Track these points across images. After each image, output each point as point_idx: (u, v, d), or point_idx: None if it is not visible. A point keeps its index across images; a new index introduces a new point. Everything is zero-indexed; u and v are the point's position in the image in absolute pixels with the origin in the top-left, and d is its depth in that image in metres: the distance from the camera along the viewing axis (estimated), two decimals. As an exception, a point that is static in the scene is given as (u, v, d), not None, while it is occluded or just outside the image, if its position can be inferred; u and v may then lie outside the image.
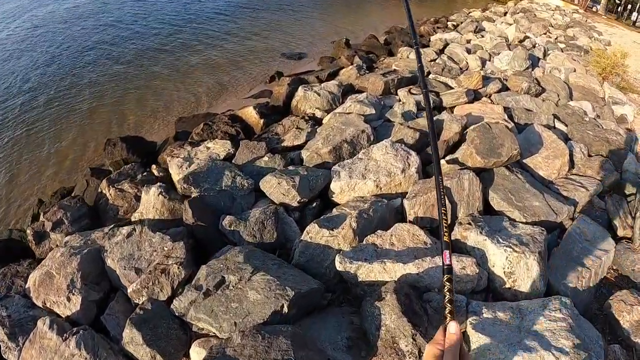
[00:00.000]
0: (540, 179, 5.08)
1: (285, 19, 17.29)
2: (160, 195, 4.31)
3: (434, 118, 5.93)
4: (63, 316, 3.46)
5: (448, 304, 1.38)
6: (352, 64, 9.24)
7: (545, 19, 15.95)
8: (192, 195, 4.34)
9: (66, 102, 10.08)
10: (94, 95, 10.31)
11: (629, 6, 26.97)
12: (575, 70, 9.27)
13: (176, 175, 4.97)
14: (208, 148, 5.41)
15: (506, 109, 6.64)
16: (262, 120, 6.40)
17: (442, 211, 1.71)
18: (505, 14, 17.82)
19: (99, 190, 5.08)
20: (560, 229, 4.25)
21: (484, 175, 4.68)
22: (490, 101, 7.24)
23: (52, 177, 7.53)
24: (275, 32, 15.02)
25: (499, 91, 7.54)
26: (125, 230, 3.87)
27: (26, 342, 3.13)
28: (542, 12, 18.35)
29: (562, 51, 10.93)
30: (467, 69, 9.16)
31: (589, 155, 5.71)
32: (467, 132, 5.46)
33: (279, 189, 4.22)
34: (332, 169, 4.57)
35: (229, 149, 5.34)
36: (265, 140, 5.72)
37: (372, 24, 17.10)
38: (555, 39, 12.96)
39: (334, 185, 4.43)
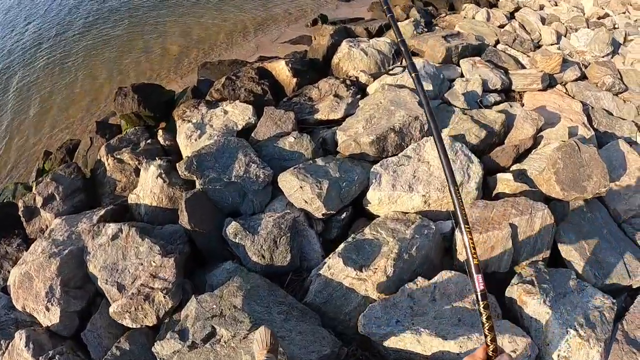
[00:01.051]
0: (615, 215, 4.12)
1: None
2: (159, 178, 3.50)
3: (507, 108, 4.81)
4: (43, 325, 3.02)
5: (489, 332, 1.38)
6: (408, 16, 7.86)
7: (624, -7, 13.99)
8: (197, 185, 3.42)
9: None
10: (124, 28, 9.44)
11: None
12: (659, 66, 7.85)
13: (184, 147, 4.13)
14: (226, 112, 4.43)
15: (584, 106, 5.47)
16: (295, 80, 5.30)
17: (467, 229, 1.62)
18: (580, -23, 15.71)
19: (98, 157, 4.38)
20: (627, 293, 3.40)
21: (556, 206, 3.71)
22: (565, 91, 6.02)
23: (76, 118, 7.16)
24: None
25: (576, 79, 6.27)
26: (110, 230, 3.13)
27: (5, 353, 2.85)
28: (620, -18, 16.18)
29: (642, 36, 9.36)
30: (538, 42, 7.80)
31: (673, 189, 4.67)
32: (543, 140, 4.41)
33: (301, 195, 3.26)
34: (372, 169, 3.58)
35: (249, 118, 4.35)
36: (295, 107, 4.70)
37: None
38: (635, 21, 11.23)
39: (372, 195, 3.47)
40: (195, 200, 3.19)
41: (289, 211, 3.25)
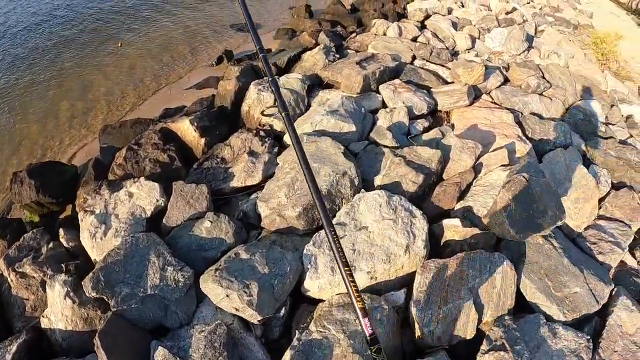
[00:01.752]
0: (569, 232, 4.07)
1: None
2: (67, 299, 3.00)
3: (438, 135, 4.66)
4: None
5: None
6: (316, 42, 7.59)
7: (524, -16, 14.65)
8: (110, 305, 2.90)
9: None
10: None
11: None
12: (573, 56, 8.09)
13: (90, 248, 3.61)
14: (131, 195, 3.92)
15: (513, 114, 5.45)
16: (203, 140, 4.85)
17: (348, 276, 1.69)
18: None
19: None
20: (598, 317, 3.31)
21: (510, 244, 3.52)
22: (491, 100, 5.98)
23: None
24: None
25: (500, 85, 6.26)
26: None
27: None
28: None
29: (552, 27, 9.71)
30: (454, 49, 7.82)
31: (615, 188, 4.68)
32: (483, 168, 4.24)
33: (229, 303, 2.80)
34: (305, 251, 3.18)
35: (157, 200, 3.84)
36: (207, 174, 4.28)
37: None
38: (540, 9, 11.74)
39: (311, 284, 3.05)
40: (111, 330, 2.67)
41: (220, 322, 2.78)
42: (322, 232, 3.32)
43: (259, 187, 4.07)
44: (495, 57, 7.51)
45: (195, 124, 4.92)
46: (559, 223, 3.35)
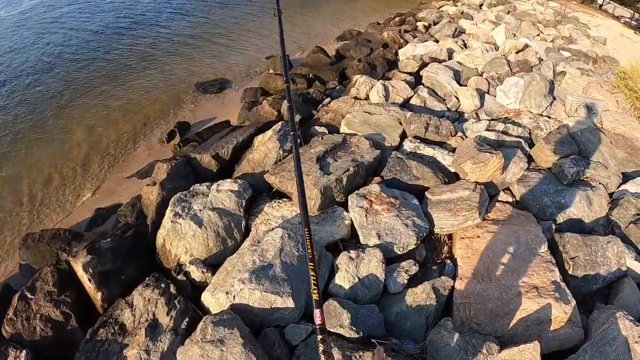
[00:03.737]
0: None
1: (219, 17, 12.87)
2: None
3: (426, 308, 2.70)
4: None
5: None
6: (279, 113, 5.61)
7: (529, 13, 12.60)
8: None
9: None
10: None
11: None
12: (608, 109, 6.00)
13: None
14: None
15: (544, 225, 3.50)
16: (99, 295, 3.10)
17: (311, 267, 1.67)
18: (480, 6, 14.14)
19: None
20: None
21: None
22: (512, 200, 3.99)
23: None
24: (197, 40, 10.51)
25: (522, 175, 4.22)
26: None
27: None
28: (520, 1, 14.84)
29: (570, 64, 7.59)
30: (457, 110, 5.78)
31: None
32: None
33: None
34: None
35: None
36: (100, 351, 2.74)
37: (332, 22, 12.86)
38: (552, 41, 9.69)
39: None
40: None
41: None
42: None
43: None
44: (512, 121, 5.38)
45: (91, 270, 3.13)
46: None
